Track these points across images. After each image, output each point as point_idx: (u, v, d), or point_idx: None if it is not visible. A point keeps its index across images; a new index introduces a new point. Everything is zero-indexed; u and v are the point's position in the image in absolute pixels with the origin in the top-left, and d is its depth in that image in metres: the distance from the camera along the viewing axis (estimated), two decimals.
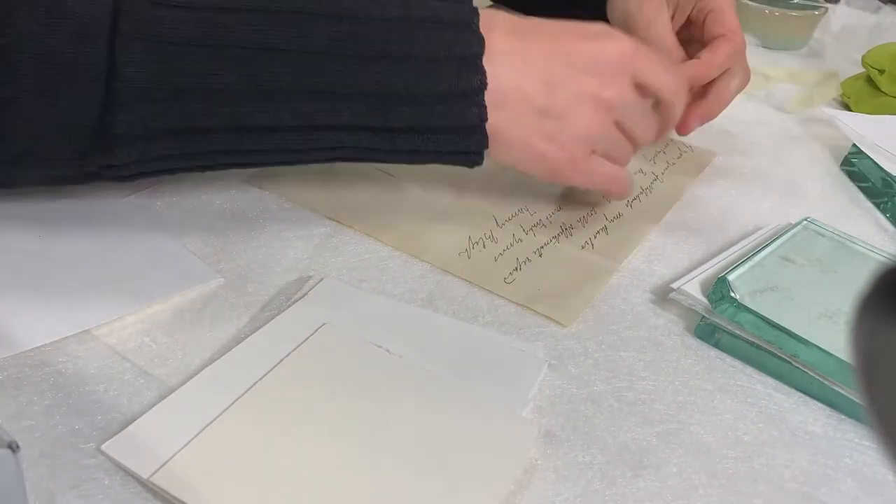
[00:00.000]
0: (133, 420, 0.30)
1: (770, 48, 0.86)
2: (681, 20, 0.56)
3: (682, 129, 0.53)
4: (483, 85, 0.38)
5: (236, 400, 0.31)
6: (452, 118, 0.39)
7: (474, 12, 0.39)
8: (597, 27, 0.43)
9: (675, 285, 0.40)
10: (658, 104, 0.45)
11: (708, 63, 0.52)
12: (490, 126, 0.39)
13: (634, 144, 0.45)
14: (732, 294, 0.38)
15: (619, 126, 0.43)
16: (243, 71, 0.35)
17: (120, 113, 0.34)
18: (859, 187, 0.56)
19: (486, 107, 0.39)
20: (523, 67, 0.40)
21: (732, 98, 0.54)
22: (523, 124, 0.40)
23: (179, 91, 0.35)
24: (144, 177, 0.39)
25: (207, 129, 0.36)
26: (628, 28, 0.54)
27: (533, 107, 0.40)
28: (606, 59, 0.41)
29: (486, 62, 0.38)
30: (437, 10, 0.38)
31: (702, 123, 0.54)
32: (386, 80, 0.37)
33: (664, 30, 0.53)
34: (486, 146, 0.40)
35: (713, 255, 0.44)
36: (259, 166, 0.45)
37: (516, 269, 0.42)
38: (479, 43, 0.38)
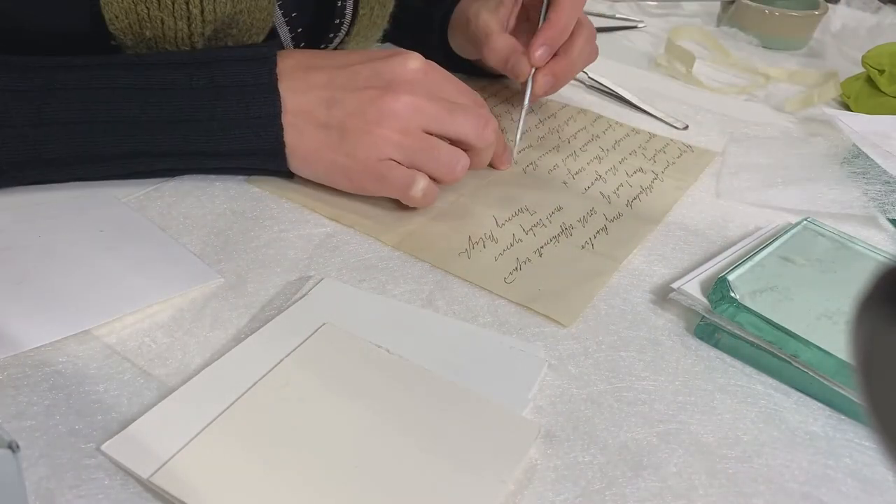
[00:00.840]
0: (133, 420, 0.30)
1: (770, 48, 0.86)
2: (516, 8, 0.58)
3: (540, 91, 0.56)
4: (280, 137, 0.43)
5: (236, 400, 0.31)
6: (257, 151, 0.44)
7: (271, 61, 0.44)
8: (390, 50, 0.45)
9: (675, 285, 0.40)
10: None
11: (556, 22, 0.53)
12: (287, 147, 0.44)
13: (460, 145, 0.45)
14: (732, 294, 0.38)
15: (429, 131, 0.44)
16: (69, 142, 0.41)
17: None
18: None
19: (282, 129, 0.43)
20: (306, 90, 0.44)
21: (581, 52, 0.57)
22: (312, 139, 0.44)
23: (14, 163, 0.41)
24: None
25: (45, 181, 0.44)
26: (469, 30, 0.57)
27: (316, 122, 0.43)
28: (391, 71, 0.44)
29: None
30: (240, 75, 0.43)
31: (557, 85, 0.57)
32: (193, 139, 0.43)
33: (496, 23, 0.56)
34: (287, 166, 0.45)
35: (713, 255, 0.44)
36: None
37: (516, 269, 0.42)
38: (276, 103, 0.43)
